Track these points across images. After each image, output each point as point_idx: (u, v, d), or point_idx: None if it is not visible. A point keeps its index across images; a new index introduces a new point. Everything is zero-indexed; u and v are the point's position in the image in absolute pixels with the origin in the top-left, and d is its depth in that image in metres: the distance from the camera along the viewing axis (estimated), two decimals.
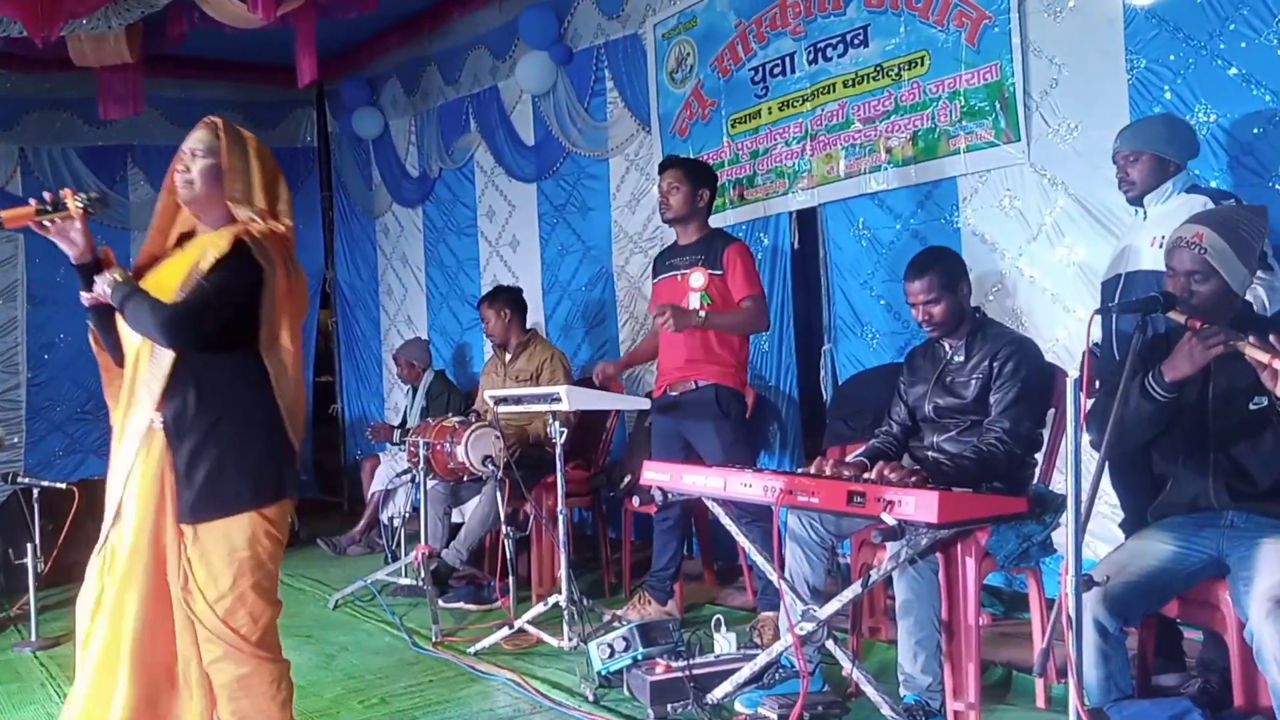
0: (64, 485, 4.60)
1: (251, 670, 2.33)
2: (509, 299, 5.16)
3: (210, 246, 2.32)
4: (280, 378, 2.37)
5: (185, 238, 2.51)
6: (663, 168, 4.10)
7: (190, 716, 2.35)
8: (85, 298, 2.41)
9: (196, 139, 2.40)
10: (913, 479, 2.72)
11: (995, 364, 3.03)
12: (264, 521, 2.35)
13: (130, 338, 2.39)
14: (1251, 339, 2.24)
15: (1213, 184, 3.34)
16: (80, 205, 2.34)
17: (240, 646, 2.32)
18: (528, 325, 5.33)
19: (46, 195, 2.33)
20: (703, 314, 3.80)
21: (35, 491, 4.47)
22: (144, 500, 2.32)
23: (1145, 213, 3.12)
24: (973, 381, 3.07)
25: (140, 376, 2.34)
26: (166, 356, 2.29)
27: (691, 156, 4.69)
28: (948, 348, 3.18)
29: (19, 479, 4.65)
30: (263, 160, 2.41)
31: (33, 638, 4.26)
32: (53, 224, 2.33)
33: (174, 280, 2.33)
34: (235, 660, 2.32)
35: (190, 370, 2.31)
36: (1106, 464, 2.22)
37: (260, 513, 2.34)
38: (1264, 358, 2.20)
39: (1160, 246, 2.71)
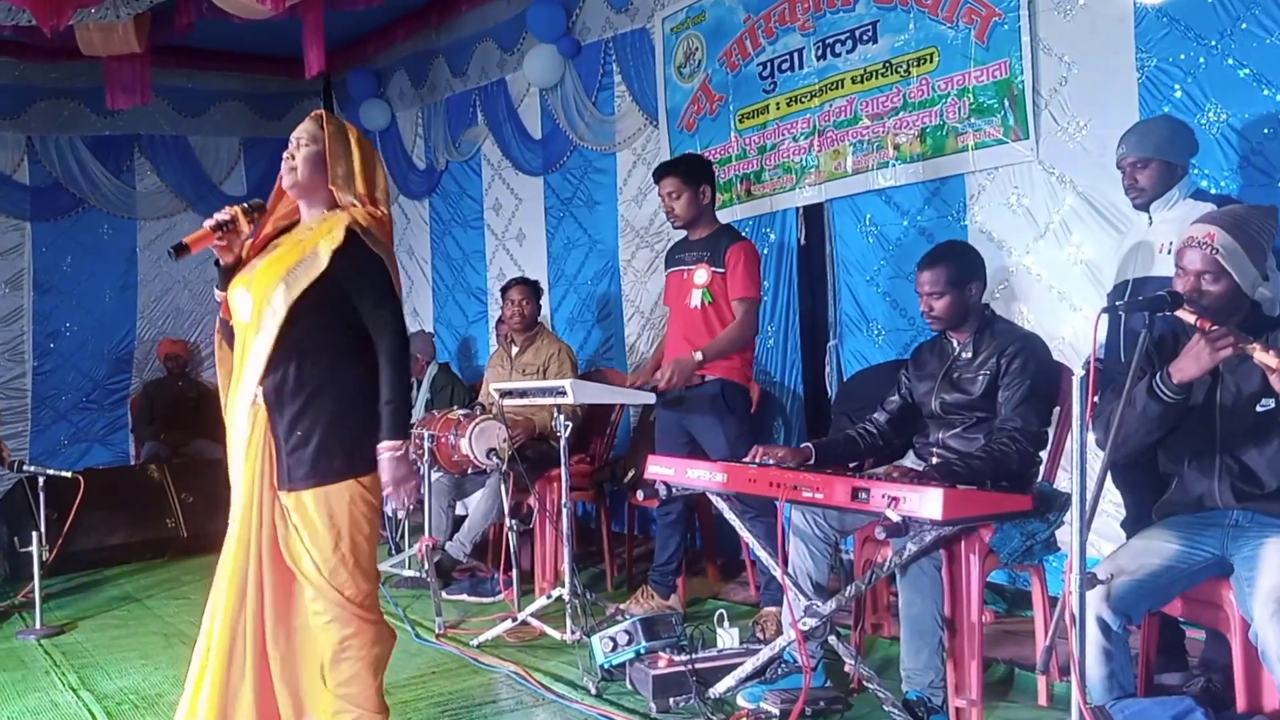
0: (69, 474, 4.63)
1: (355, 631, 2.43)
2: (535, 289, 5.17)
3: (324, 237, 2.42)
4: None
5: (286, 229, 2.61)
6: (658, 177, 4.04)
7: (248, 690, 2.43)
8: (219, 294, 2.61)
9: (301, 129, 2.56)
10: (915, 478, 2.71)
11: (1003, 361, 3.03)
12: (361, 489, 2.44)
13: (239, 316, 2.50)
14: (1260, 343, 2.23)
15: (1222, 184, 3.33)
16: (248, 219, 2.55)
17: (345, 606, 2.41)
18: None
19: (219, 216, 2.53)
20: (699, 356, 3.82)
21: (40, 480, 4.49)
22: (249, 472, 2.44)
23: (1151, 218, 3.11)
24: (980, 378, 3.06)
25: (247, 353, 2.45)
26: (270, 332, 2.40)
27: (683, 155, 4.62)
28: (955, 344, 3.17)
29: (24, 467, 4.67)
30: (362, 148, 2.54)
31: (37, 625, 4.28)
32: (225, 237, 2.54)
33: (287, 261, 2.44)
34: (341, 621, 2.42)
35: (292, 344, 2.42)
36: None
37: (358, 481, 2.44)
38: (1273, 362, 2.19)
39: (1169, 253, 2.70)
